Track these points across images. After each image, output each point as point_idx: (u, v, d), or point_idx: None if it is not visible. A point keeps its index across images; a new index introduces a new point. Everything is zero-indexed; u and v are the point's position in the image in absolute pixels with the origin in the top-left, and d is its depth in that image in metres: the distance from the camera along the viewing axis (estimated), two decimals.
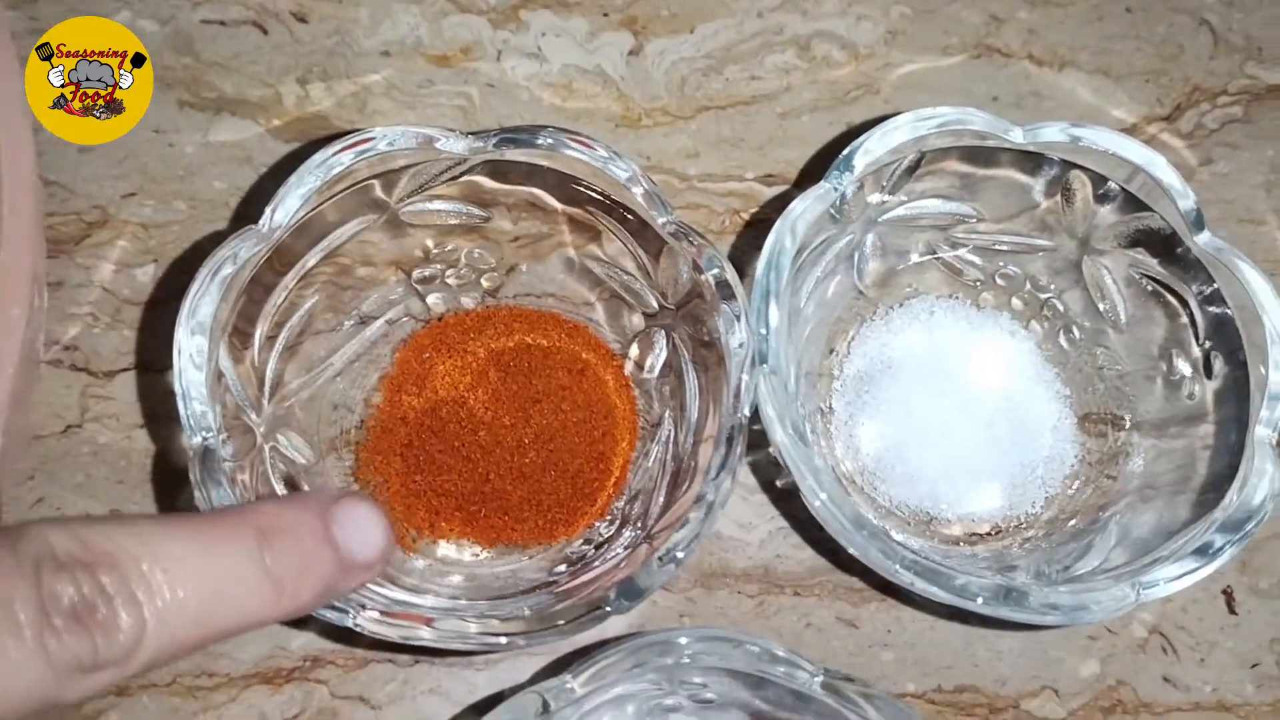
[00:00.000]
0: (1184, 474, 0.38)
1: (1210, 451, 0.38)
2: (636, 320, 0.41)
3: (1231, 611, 0.42)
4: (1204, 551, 0.34)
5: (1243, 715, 0.40)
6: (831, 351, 0.43)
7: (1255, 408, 0.36)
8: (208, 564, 0.23)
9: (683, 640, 0.32)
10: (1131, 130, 0.47)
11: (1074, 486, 0.41)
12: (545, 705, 0.31)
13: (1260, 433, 0.36)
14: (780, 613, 0.41)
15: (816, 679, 0.32)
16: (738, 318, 0.35)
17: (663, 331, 0.40)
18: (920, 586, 0.34)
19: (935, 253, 0.43)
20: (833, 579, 0.41)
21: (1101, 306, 0.41)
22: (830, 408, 0.42)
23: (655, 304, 0.39)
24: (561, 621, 0.32)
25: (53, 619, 0.21)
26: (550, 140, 0.36)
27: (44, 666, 0.20)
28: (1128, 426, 0.41)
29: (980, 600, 0.34)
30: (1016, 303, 0.43)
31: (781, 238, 0.36)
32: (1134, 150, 0.38)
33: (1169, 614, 0.41)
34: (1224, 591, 0.42)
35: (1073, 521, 0.40)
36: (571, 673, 0.32)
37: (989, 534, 0.41)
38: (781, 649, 0.32)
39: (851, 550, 0.35)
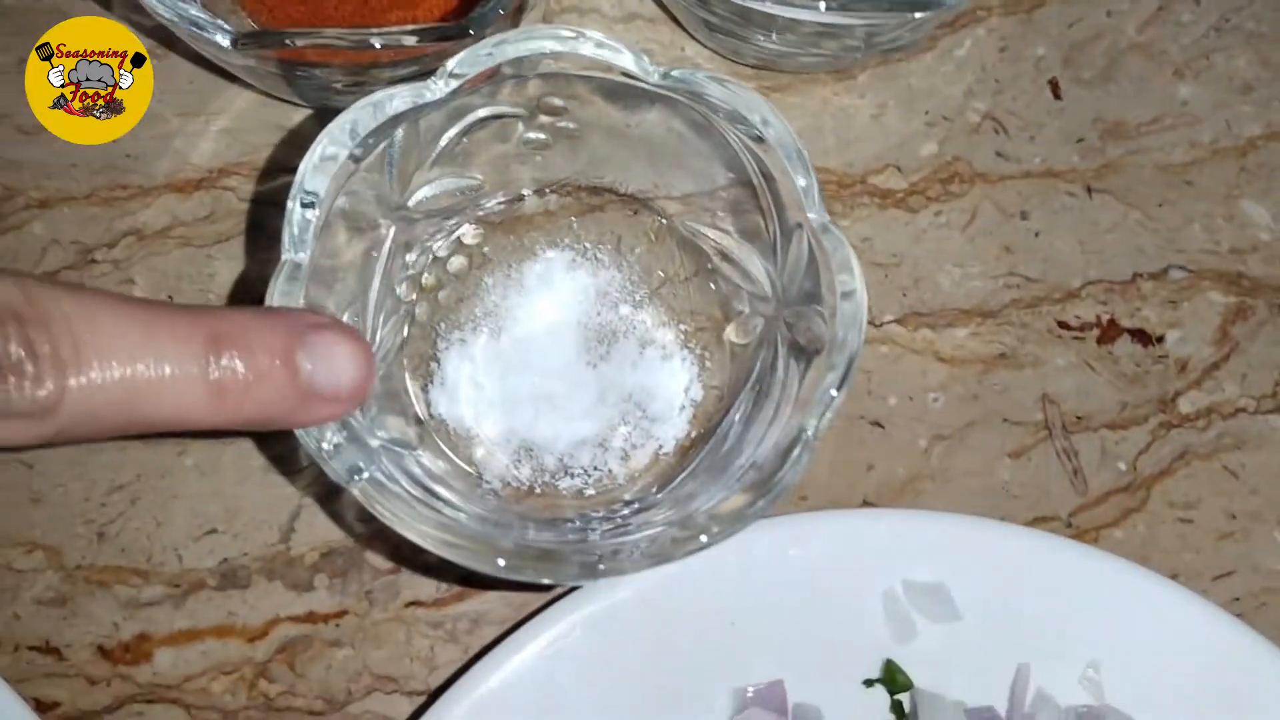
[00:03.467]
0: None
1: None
2: None
3: (1057, 97, 0.46)
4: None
5: (1070, 180, 0.45)
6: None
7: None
8: (146, 350, 0.22)
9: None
10: None
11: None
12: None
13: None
14: None
15: (656, 71, 0.35)
16: None
17: None
18: None
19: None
20: None
21: None
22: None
23: None
24: None
25: None
26: None
27: None
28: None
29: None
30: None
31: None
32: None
33: (1000, 102, 0.46)
34: (1050, 82, 0.46)
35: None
36: (438, 75, 0.35)
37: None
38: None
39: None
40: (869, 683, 0.36)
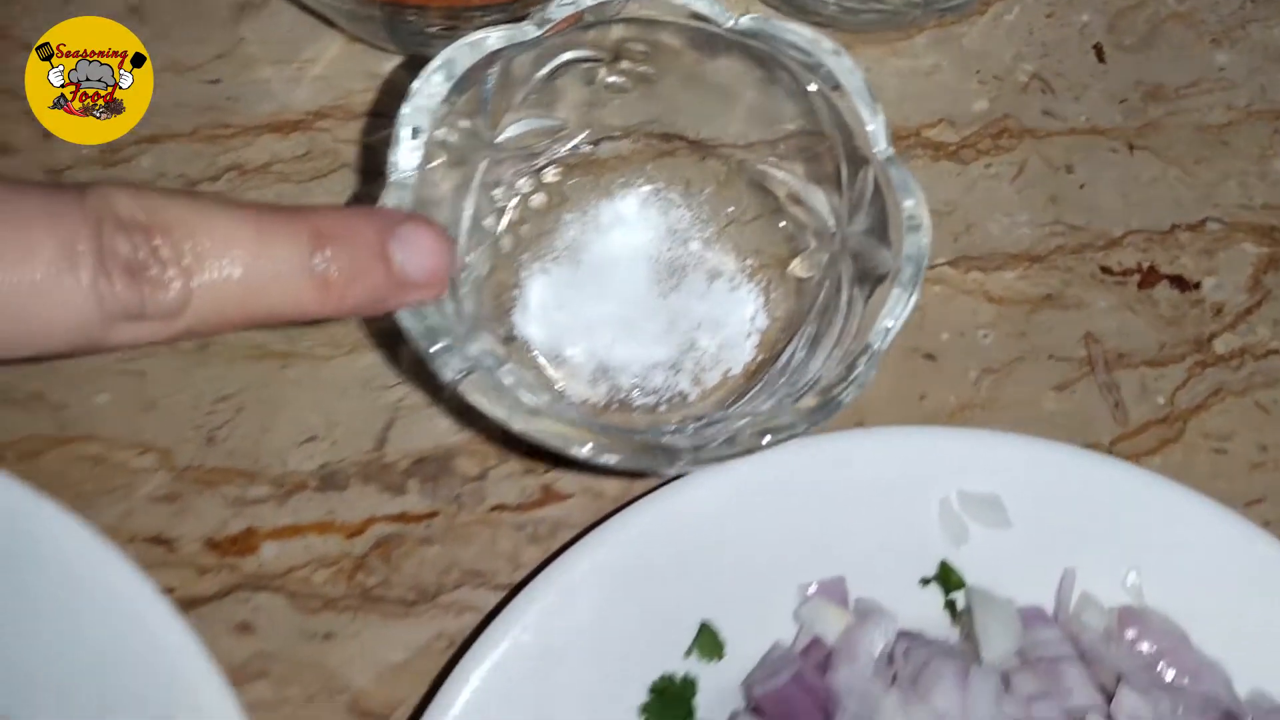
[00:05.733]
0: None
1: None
2: None
3: (1101, 61, 0.49)
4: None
5: (1113, 137, 0.48)
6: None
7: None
8: (260, 249, 0.25)
9: None
10: None
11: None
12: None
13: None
14: None
15: (730, 17, 0.38)
16: None
17: None
18: None
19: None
20: None
21: None
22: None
23: None
24: None
25: (108, 266, 0.23)
26: None
27: (93, 306, 0.23)
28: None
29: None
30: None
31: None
32: None
33: (1047, 64, 0.48)
34: (1094, 46, 0.49)
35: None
36: (530, 18, 0.37)
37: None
38: None
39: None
40: (925, 581, 0.38)
